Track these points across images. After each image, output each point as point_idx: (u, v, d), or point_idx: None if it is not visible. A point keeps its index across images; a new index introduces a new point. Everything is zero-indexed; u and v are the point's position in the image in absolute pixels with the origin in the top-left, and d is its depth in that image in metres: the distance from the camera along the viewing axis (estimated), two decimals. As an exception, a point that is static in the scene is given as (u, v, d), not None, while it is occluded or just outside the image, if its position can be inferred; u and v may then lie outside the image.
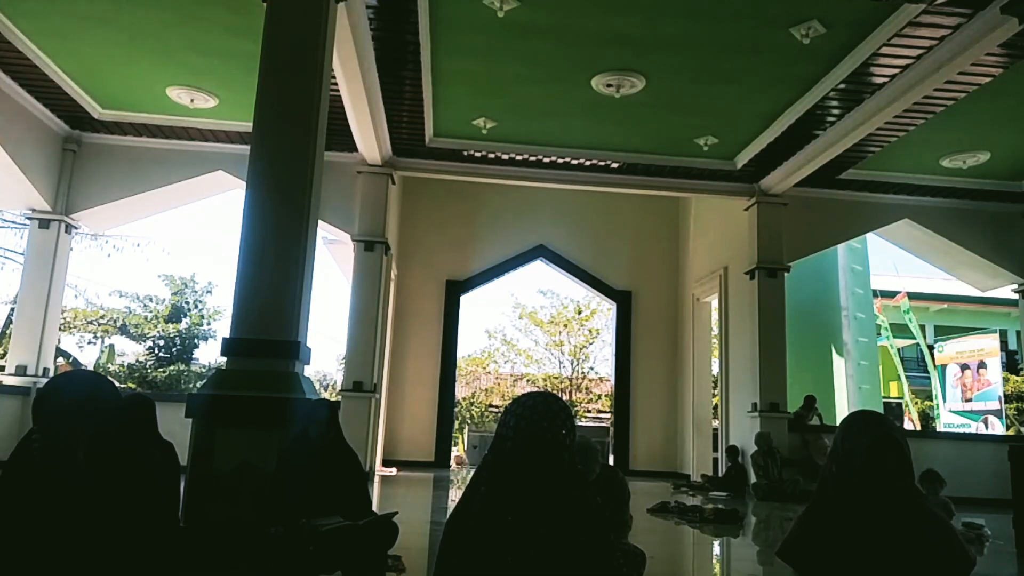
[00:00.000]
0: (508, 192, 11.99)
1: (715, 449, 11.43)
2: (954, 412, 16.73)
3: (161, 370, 17.34)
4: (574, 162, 9.53)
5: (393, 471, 10.31)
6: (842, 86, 7.15)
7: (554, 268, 12.83)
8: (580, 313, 18.35)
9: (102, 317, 17.99)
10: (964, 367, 16.76)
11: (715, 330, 12.02)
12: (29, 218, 9.09)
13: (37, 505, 2.25)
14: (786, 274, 9.85)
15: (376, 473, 9.81)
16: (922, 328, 20.49)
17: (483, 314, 46.48)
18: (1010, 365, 20.50)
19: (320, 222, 7.06)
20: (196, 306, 18.91)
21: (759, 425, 9.35)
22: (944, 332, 21.09)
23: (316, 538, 3.19)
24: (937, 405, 17.55)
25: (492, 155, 9.46)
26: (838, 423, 2.35)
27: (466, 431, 17.56)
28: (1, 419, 8.11)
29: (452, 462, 12.33)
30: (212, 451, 4.19)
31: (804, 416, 10.15)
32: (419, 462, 11.47)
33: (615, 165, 9.61)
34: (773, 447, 9.17)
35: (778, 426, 9.39)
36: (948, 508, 6.11)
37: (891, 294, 19.44)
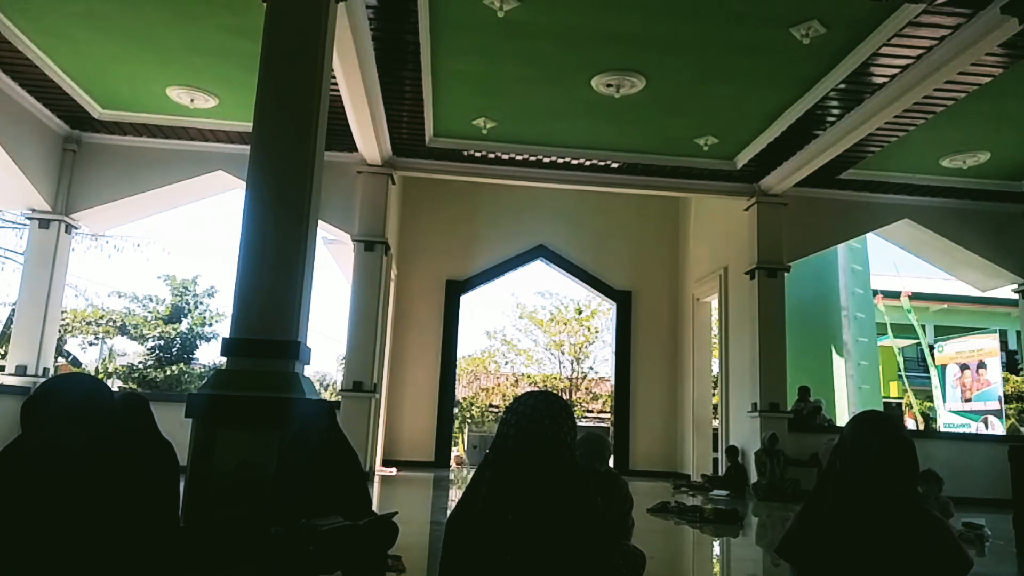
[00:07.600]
0: (508, 192, 11.99)
1: (715, 449, 11.43)
2: (954, 412, 16.71)
3: (161, 370, 17.32)
4: (574, 162, 9.53)
5: (393, 471, 10.31)
6: (842, 86, 7.15)
7: (554, 268, 12.83)
8: (580, 313, 18.33)
9: (101, 318, 17.96)
10: (964, 367, 16.74)
11: (715, 330, 12.01)
12: (29, 218, 9.08)
13: (36, 506, 2.24)
14: (786, 274, 9.85)
15: (376, 473, 9.81)
16: (922, 328, 20.48)
17: (483, 314, 46.46)
18: (1010, 365, 20.50)
19: (320, 222, 7.06)
20: (196, 307, 18.88)
21: (759, 425, 9.35)
22: (944, 332, 21.08)
23: (316, 538, 3.19)
24: (937, 406, 17.54)
25: (492, 155, 9.46)
26: (839, 423, 2.34)
27: (466, 431, 17.56)
28: (1, 419, 8.10)
29: (452, 462, 12.32)
30: (212, 451, 4.18)
31: (802, 408, 10.15)
32: (419, 462, 11.47)
33: (615, 165, 9.61)
34: (777, 448, 9.17)
35: (778, 426, 9.38)
36: (947, 508, 6.11)
37: (891, 294, 19.44)
